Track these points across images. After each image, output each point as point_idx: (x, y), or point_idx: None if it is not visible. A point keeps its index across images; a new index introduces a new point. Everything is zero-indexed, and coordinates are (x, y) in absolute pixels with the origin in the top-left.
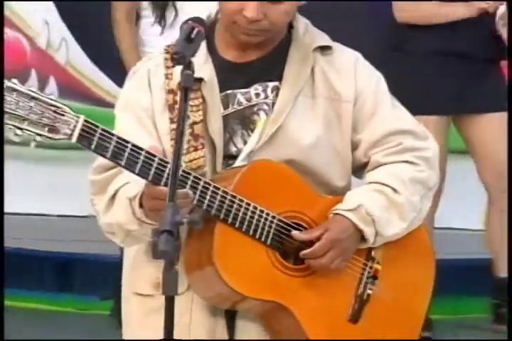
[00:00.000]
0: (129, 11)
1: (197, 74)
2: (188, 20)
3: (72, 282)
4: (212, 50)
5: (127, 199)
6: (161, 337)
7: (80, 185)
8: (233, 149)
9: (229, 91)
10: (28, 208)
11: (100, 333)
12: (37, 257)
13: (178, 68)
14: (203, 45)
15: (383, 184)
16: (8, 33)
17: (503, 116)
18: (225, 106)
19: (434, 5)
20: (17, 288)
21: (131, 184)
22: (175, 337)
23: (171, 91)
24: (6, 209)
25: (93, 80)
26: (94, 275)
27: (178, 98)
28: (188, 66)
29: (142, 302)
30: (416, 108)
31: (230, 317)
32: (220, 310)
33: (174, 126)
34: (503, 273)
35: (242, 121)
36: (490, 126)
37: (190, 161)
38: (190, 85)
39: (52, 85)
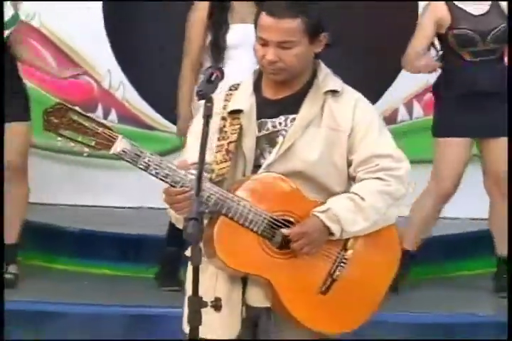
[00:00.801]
0: (193, 61)
1: (239, 107)
2: (209, 67)
3: (129, 255)
4: (257, 89)
5: None
6: (201, 289)
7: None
8: (262, 161)
9: (263, 120)
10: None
11: (146, 291)
12: (105, 237)
13: (232, 102)
14: (251, 85)
15: (355, 193)
16: (82, 77)
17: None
18: (259, 130)
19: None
20: (90, 259)
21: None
22: (205, 293)
23: (223, 118)
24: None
25: (141, 110)
26: (144, 250)
27: (226, 123)
28: (209, 100)
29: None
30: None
31: (244, 283)
32: (237, 278)
33: (220, 142)
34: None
35: (269, 141)
36: (497, 147)
37: (219, 169)
38: (210, 113)
39: (113, 114)
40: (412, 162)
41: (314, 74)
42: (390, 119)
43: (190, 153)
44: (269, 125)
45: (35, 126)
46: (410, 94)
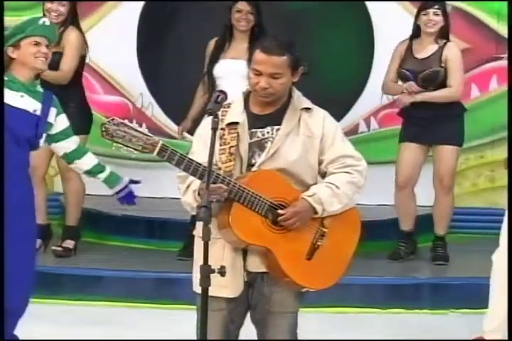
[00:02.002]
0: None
1: (236, 120)
2: (217, 91)
3: (156, 233)
4: (247, 106)
5: (193, 191)
6: (202, 258)
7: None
8: (253, 161)
9: (253, 130)
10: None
11: (172, 262)
12: (139, 220)
13: (228, 116)
14: (242, 103)
15: (331, 183)
16: (119, 98)
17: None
18: (251, 138)
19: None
20: (128, 236)
21: (196, 181)
22: (215, 262)
23: (222, 129)
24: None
25: (165, 124)
26: (167, 230)
27: (225, 132)
28: (216, 116)
29: (199, 240)
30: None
31: (244, 252)
32: (239, 249)
33: (222, 147)
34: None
35: (259, 146)
36: (444, 153)
37: (226, 167)
38: (216, 127)
39: (144, 127)
40: (370, 163)
41: (290, 96)
42: (352, 131)
43: (197, 154)
44: (259, 134)
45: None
46: (368, 112)
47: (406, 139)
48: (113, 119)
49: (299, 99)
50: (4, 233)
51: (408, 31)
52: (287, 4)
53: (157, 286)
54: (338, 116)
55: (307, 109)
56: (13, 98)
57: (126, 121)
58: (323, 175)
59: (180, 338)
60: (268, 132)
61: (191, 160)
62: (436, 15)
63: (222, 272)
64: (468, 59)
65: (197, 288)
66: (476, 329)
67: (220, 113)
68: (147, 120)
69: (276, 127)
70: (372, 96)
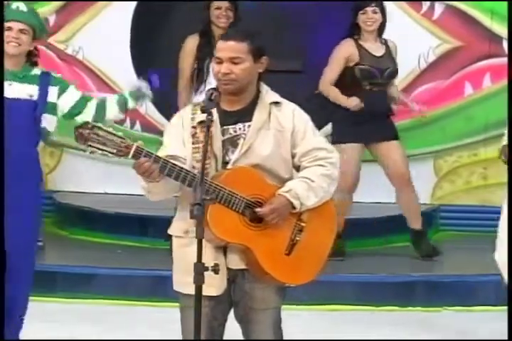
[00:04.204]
0: (186, 81)
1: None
2: (210, 89)
3: (149, 231)
4: (217, 104)
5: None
6: (186, 259)
7: None
8: (227, 158)
9: (225, 127)
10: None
11: (165, 260)
12: (131, 218)
13: (197, 116)
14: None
15: (306, 177)
16: None
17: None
18: (223, 135)
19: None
20: (120, 234)
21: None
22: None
23: (193, 127)
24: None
25: (158, 121)
26: (160, 228)
27: (196, 130)
28: (210, 114)
29: (176, 240)
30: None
31: (224, 250)
32: (220, 247)
33: (195, 145)
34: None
35: (231, 143)
36: (393, 148)
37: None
38: (210, 123)
39: (138, 125)
40: (366, 161)
41: (258, 91)
42: None
43: (168, 148)
44: (231, 131)
45: None
46: None
47: (349, 139)
48: (87, 123)
49: (268, 94)
50: (4, 233)
51: (406, 31)
52: (286, 3)
53: (151, 284)
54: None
55: (276, 103)
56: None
57: (100, 124)
58: (298, 168)
59: (174, 336)
60: (240, 128)
61: (166, 160)
62: (375, 12)
63: (215, 270)
64: (462, 57)
65: (178, 287)
66: (469, 327)
67: (189, 112)
68: (141, 117)
69: (247, 123)
70: None
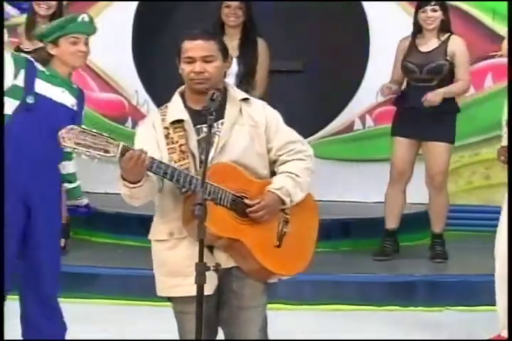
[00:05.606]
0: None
1: (180, 117)
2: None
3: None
4: (185, 104)
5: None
6: (173, 261)
7: None
8: (203, 157)
9: (198, 126)
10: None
11: None
12: (132, 218)
13: (169, 115)
14: (180, 101)
15: (291, 172)
16: (114, 96)
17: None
18: (198, 134)
19: None
20: (121, 234)
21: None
22: (184, 260)
23: (165, 128)
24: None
25: None
26: None
27: (169, 131)
28: (211, 114)
29: (160, 244)
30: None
31: (211, 249)
32: (207, 246)
33: (170, 146)
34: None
35: (207, 142)
36: (438, 151)
37: (181, 166)
38: (212, 123)
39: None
40: (363, 161)
41: (226, 89)
42: (348, 128)
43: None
44: (205, 129)
45: None
46: (363, 109)
47: (399, 134)
48: (72, 129)
49: (235, 91)
50: (4, 232)
51: (404, 30)
52: (285, 3)
53: (152, 284)
54: (334, 113)
55: (245, 99)
56: (55, 93)
57: (84, 127)
58: (274, 162)
59: (175, 336)
60: (213, 127)
61: (153, 159)
62: (434, 11)
63: (217, 269)
64: None
65: (161, 292)
66: (471, 327)
67: (158, 114)
68: (143, 117)
69: (220, 121)
70: (367, 94)
